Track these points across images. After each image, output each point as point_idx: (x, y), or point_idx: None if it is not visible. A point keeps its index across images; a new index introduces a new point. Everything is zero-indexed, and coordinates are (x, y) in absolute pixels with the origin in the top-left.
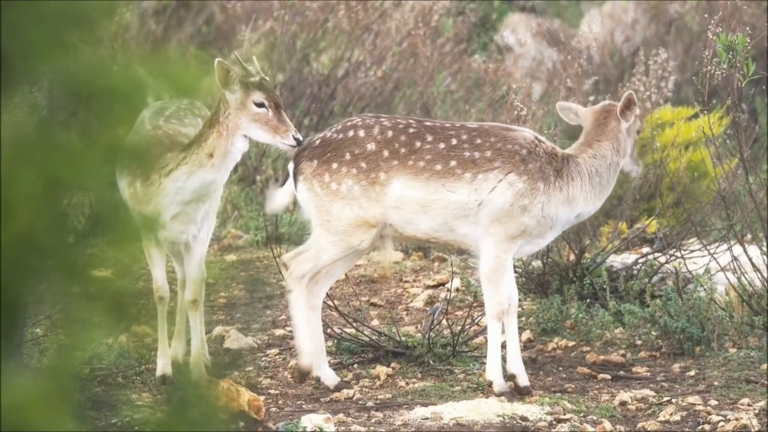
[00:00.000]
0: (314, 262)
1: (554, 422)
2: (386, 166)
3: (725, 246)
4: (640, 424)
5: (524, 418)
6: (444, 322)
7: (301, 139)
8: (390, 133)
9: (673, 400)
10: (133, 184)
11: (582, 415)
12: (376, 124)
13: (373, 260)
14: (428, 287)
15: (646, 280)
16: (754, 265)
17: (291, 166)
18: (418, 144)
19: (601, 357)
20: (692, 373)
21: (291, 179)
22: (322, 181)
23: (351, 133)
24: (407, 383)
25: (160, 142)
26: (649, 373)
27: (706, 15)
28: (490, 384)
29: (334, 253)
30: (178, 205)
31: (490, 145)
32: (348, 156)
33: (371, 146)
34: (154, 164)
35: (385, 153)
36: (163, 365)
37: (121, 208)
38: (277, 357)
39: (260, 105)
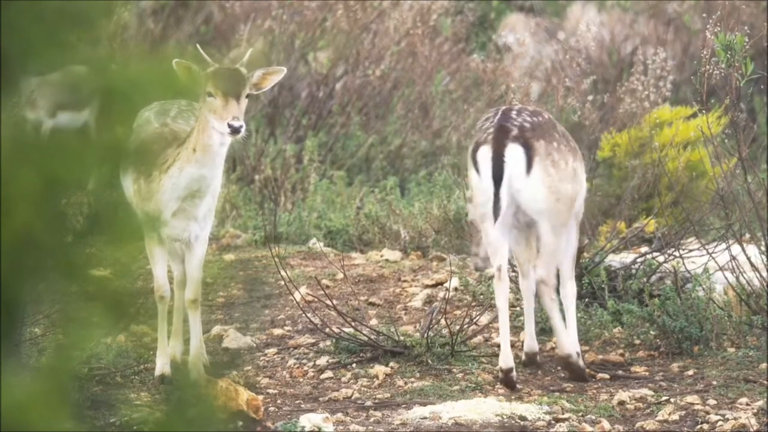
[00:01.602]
0: (558, 256)
1: (553, 422)
2: (573, 144)
3: (724, 245)
4: (638, 424)
5: (523, 418)
6: (442, 321)
7: (237, 126)
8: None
9: (672, 400)
10: (137, 182)
11: (580, 414)
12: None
13: (371, 259)
14: (427, 287)
15: (645, 279)
16: (752, 265)
17: (519, 156)
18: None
19: (600, 356)
20: (691, 372)
21: (515, 171)
22: (553, 161)
23: (546, 115)
24: (406, 383)
25: (163, 138)
26: (647, 373)
27: (704, 14)
28: (568, 357)
29: (573, 235)
30: (175, 202)
31: None
32: (557, 136)
33: (561, 127)
34: (157, 161)
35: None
36: (161, 365)
37: (120, 207)
38: (275, 356)
39: (210, 95)
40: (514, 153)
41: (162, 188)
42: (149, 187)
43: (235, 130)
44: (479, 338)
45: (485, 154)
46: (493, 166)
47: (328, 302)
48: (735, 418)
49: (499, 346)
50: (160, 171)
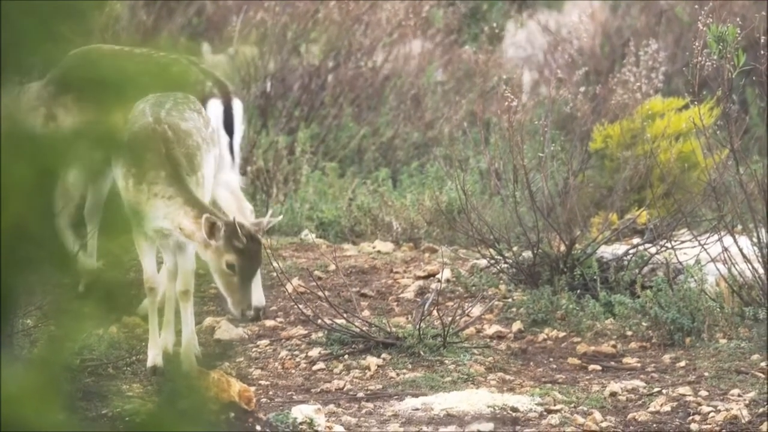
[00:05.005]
0: None
1: (545, 413)
2: None
3: (716, 237)
4: (630, 415)
5: (515, 409)
6: (434, 313)
7: (251, 317)
8: None
9: (664, 391)
10: (126, 178)
11: (572, 405)
12: None
13: (363, 251)
14: (419, 278)
15: (637, 270)
16: (744, 256)
17: (240, 109)
18: None
19: (592, 348)
20: (682, 363)
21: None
22: None
23: None
24: (398, 374)
25: (156, 137)
26: (639, 364)
27: (696, 6)
28: None
29: None
30: (158, 224)
31: None
32: None
33: None
34: (148, 167)
35: None
36: (153, 356)
37: (111, 198)
38: (267, 348)
39: (229, 266)
40: (237, 107)
41: (148, 206)
42: (137, 195)
43: (245, 318)
44: (471, 330)
45: (217, 106)
46: (225, 118)
47: (320, 294)
48: (727, 410)
49: (491, 337)
50: (148, 190)
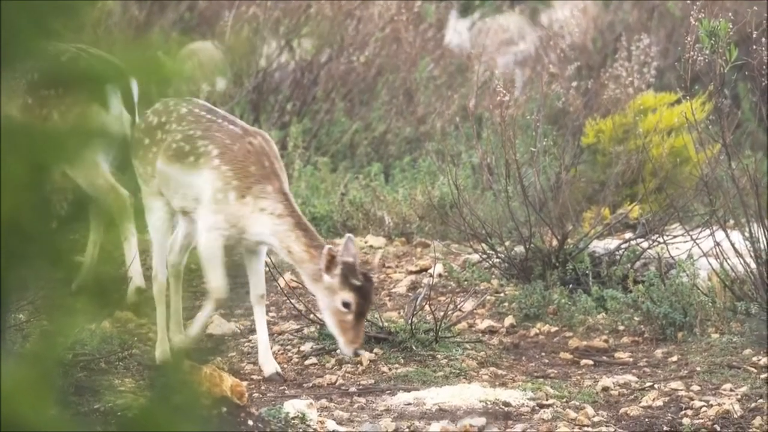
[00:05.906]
0: None
1: (537, 407)
2: None
3: (708, 231)
4: (622, 410)
5: (507, 404)
6: (427, 307)
7: (360, 354)
8: None
9: (656, 386)
10: (225, 191)
11: (564, 400)
12: None
13: (356, 245)
14: (411, 273)
15: (629, 265)
16: (736, 251)
17: None
18: None
19: (584, 342)
20: (675, 358)
21: None
22: None
23: None
24: (390, 369)
25: (260, 156)
26: (631, 359)
27: (688, 1)
28: None
29: None
30: (261, 239)
31: None
32: None
33: None
34: (253, 181)
35: None
36: (161, 353)
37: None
38: None
39: (345, 304)
40: (135, 87)
41: (249, 223)
42: (241, 210)
43: (356, 357)
44: (463, 324)
45: (115, 89)
46: (125, 99)
47: None
48: (719, 404)
49: (483, 331)
50: (254, 204)
